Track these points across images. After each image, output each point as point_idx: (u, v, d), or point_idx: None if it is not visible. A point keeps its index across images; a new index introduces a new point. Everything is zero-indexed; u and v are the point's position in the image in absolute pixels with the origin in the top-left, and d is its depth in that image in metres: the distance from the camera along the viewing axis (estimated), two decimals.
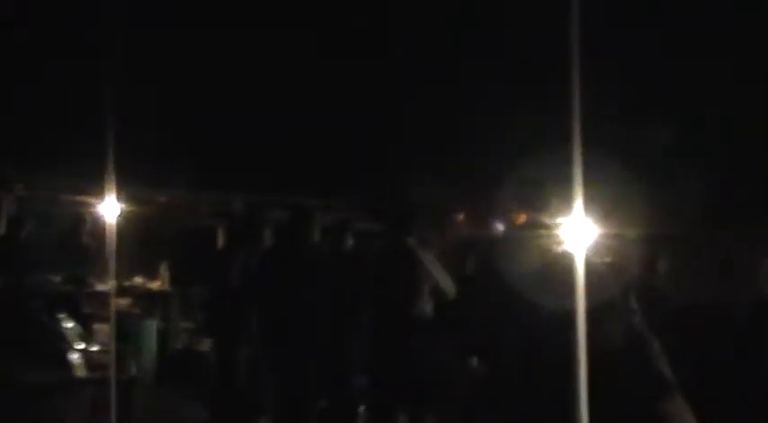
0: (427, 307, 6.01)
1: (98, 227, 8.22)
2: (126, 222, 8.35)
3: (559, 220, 4.35)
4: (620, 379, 3.76)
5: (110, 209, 6.75)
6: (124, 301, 8.36)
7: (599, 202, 4.46)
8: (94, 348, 6.93)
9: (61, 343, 7.00)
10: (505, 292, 5.36)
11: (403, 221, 6.20)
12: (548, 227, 4.45)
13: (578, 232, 4.38)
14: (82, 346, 6.93)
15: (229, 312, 6.63)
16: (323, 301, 6.10)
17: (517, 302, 4.60)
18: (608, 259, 4.28)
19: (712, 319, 4.94)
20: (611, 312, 4.03)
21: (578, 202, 4.39)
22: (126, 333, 7.64)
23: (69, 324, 7.11)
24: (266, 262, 6.35)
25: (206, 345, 7.82)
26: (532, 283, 4.39)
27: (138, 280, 9.10)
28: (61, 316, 7.14)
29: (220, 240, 9.16)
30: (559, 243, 4.30)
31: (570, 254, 4.32)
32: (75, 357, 6.79)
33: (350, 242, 6.77)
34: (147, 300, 8.73)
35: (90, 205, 8.67)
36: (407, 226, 6.16)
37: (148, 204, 9.87)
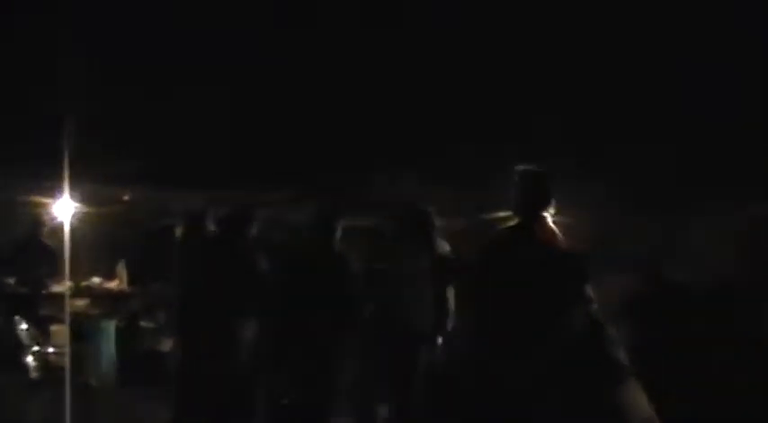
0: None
1: (57, 227, 8.10)
2: (83, 222, 8.27)
3: (519, 213, 4.34)
4: (577, 365, 3.78)
5: (65, 209, 6.62)
6: (82, 302, 8.23)
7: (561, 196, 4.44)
8: (51, 350, 6.82)
9: (17, 345, 6.90)
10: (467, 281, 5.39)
11: (421, 224, 6.28)
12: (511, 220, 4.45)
13: (536, 224, 4.36)
14: (38, 348, 6.83)
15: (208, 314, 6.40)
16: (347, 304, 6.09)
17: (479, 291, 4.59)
18: (565, 249, 4.26)
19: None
20: (569, 301, 4.03)
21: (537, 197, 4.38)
22: (84, 334, 7.52)
23: (25, 326, 7.00)
24: (285, 264, 6.28)
25: (167, 345, 7.66)
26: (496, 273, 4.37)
27: (96, 280, 8.95)
28: (17, 318, 7.03)
29: (180, 238, 9.00)
30: (521, 235, 4.28)
31: (529, 244, 4.30)
32: (30, 360, 6.69)
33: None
34: (106, 300, 8.59)
35: (48, 206, 8.53)
36: (425, 228, 6.26)
37: (106, 204, 9.73)
